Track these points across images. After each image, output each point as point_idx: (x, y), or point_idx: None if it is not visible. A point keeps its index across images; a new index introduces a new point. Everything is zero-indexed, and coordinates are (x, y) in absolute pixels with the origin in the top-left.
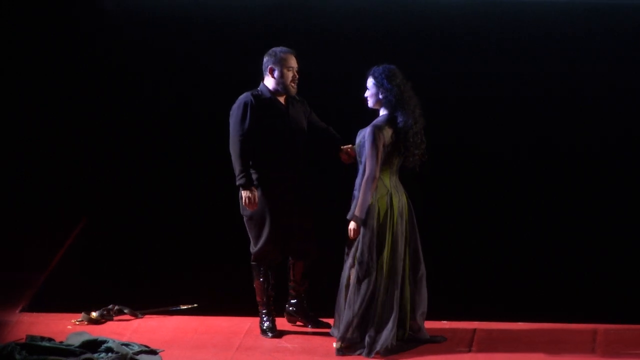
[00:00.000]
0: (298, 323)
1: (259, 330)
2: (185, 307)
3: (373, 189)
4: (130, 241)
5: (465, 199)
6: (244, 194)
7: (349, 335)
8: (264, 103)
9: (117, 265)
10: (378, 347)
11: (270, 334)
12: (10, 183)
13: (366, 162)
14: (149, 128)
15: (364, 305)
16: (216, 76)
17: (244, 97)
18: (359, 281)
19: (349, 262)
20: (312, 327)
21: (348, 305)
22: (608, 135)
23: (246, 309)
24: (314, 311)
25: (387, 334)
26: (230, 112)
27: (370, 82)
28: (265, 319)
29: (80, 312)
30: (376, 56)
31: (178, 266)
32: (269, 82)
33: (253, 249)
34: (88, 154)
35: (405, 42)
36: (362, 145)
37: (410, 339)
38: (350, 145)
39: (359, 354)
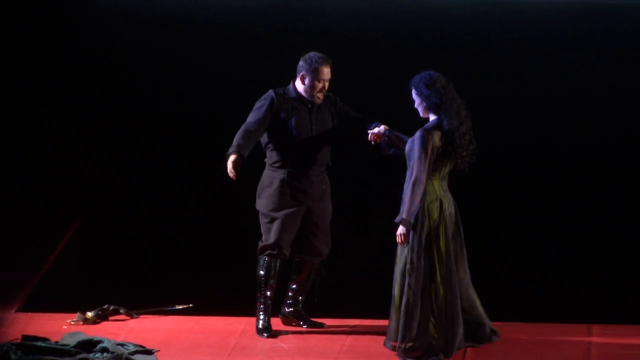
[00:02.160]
0: (293, 324)
1: (254, 330)
2: (181, 307)
3: (420, 193)
4: (126, 241)
5: (464, 199)
6: (230, 158)
7: (416, 344)
8: (287, 103)
9: (112, 266)
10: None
11: (265, 334)
12: (5, 183)
13: (414, 165)
14: (145, 128)
15: (424, 314)
16: (216, 76)
17: (268, 93)
18: (413, 289)
19: (399, 268)
20: (307, 327)
21: (408, 316)
22: (608, 135)
23: (242, 309)
24: (310, 312)
25: (448, 342)
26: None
27: (413, 92)
28: (261, 317)
29: (76, 312)
30: (376, 56)
31: (173, 266)
32: (299, 85)
33: (262, 242)
34: (84, 154)
35: (405, 42)
36: (410, 150)
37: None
38: (376, 129)
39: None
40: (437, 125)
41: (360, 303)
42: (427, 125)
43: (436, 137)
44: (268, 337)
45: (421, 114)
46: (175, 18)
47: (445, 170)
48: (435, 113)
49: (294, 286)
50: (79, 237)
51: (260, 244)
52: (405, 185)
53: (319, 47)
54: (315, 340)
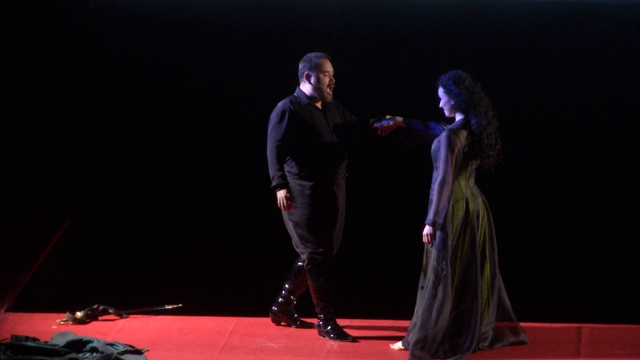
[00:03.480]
0: (282, 323)
1: (244, 330)
2: (170, 307)
3: (447, 193)
4: (115, 241)
5: None
6: (280, 194)
7: (427, 346)
8: (303, 110)
9: (101, 265)
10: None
11: (350, 338)
12: None
13: (440, 166)
14: (138, 128)
15: (441, 315)
16: (216, 76)
17: (283, 103)
18: (434, 289)
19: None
20: (297, 327)
21: (423, 314)
22: (608, 135)
23: (231, 309)
24: (300, 312)
25: (466, 345)
26: (269, 119)
27: (440, 91)
28: (332, 325)
29: (65, 312)
30: (376, 56)
31: (163, 266)
32: (306, 88)
33: (309, 253)
34: (73, 155)
35: (405, 42)
36: (437, 150)
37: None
38: (385, 122)
39: None
40: (464, 124)
41: (351, 303)
42: (453, 125)
43: (462, 137)
44: (353, 340)
45: (447, 114)
46: (174, 18)
47: (471, 168)
48: (463, 112)
49: (289, 286)
50: (68, 237)
51: (308, 254)
52: (432, 186)
53: (319, 47)
54: (305, 340)
